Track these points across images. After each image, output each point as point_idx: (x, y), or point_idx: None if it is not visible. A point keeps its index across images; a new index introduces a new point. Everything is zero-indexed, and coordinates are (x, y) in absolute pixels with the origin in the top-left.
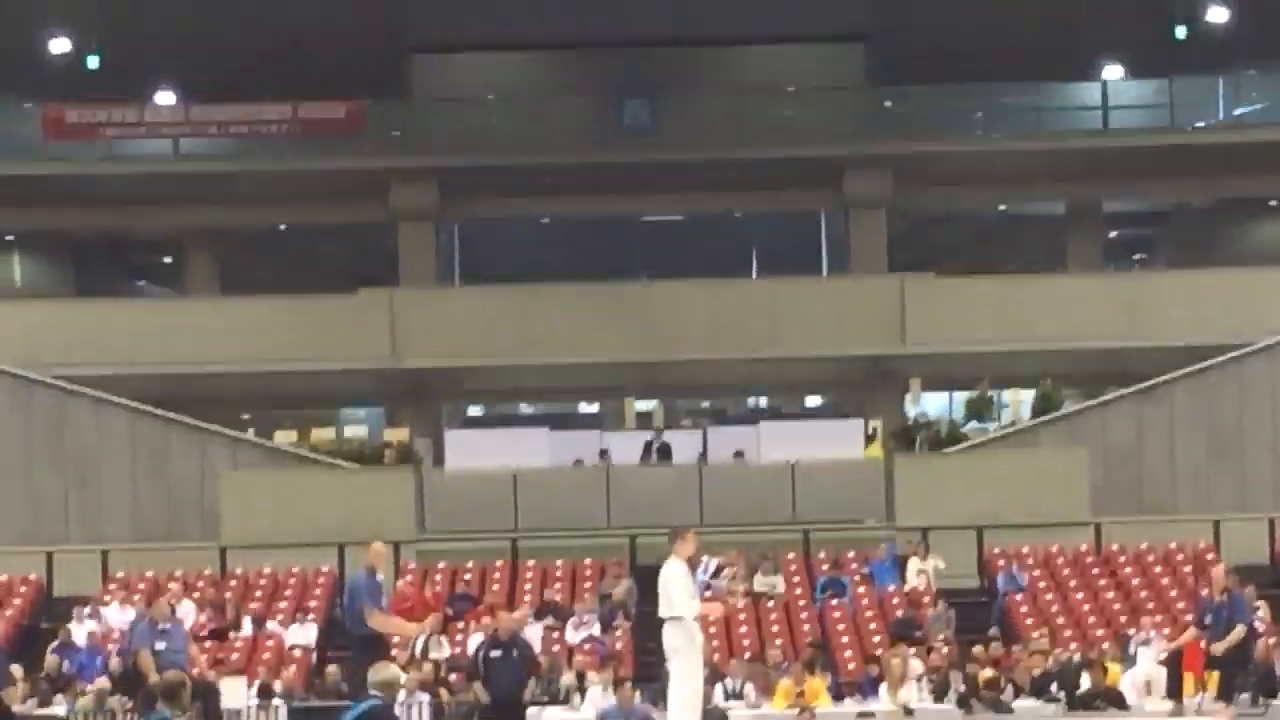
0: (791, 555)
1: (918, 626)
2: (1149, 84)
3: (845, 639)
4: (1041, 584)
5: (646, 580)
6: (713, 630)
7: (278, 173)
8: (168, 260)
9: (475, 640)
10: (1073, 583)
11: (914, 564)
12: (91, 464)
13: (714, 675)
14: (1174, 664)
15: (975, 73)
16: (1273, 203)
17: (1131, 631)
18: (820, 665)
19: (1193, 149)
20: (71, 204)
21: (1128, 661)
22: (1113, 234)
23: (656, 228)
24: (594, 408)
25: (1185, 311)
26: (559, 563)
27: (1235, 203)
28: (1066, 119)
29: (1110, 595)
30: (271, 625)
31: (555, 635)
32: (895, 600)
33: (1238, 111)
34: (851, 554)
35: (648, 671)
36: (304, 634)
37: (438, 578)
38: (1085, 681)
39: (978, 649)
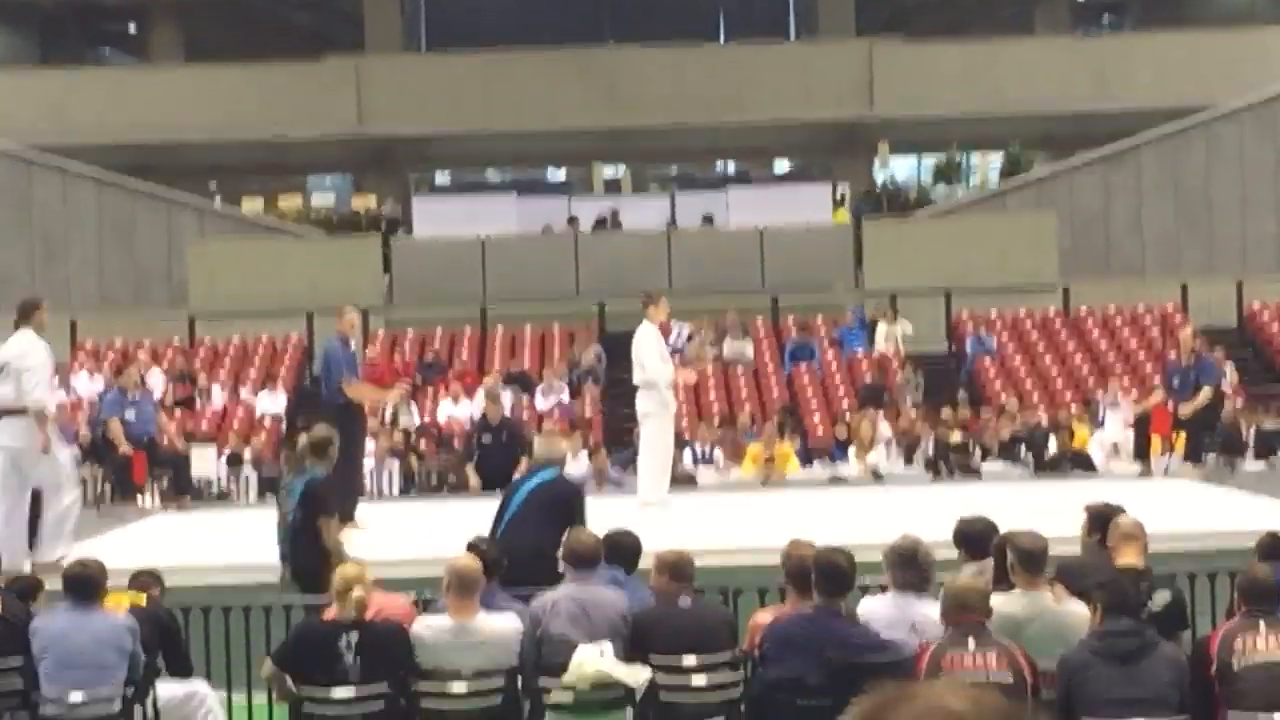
0: (760, 320)
1: (886, 391)
2: None
3: (814, 404)
4: (1009, 348)
5: (615, 346)
6: (682, 396)
7: None
8: (133, 28)
9: (445, 408)
10: (1040, 346)
11: (882, 328)
12: (58, 234)
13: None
14: (1141, 426)
15: None
16: None
17: (1099, 394)
18: (789, 429)
19: None
20: None
21: (1095, 425)
22: None
23: None
24: (561, 174)
25: (1153, 74)
26: (527, 329)
27: None
28: None
29: (1078, 359)
30: (240, 394)
31: (524, 402)
32: (864, 365)
33: None
34: (820, 319)
35: (616, 438)
36: (273, 402)
37: (406, 346)
38: (1053, 445)
39: (946, 413)
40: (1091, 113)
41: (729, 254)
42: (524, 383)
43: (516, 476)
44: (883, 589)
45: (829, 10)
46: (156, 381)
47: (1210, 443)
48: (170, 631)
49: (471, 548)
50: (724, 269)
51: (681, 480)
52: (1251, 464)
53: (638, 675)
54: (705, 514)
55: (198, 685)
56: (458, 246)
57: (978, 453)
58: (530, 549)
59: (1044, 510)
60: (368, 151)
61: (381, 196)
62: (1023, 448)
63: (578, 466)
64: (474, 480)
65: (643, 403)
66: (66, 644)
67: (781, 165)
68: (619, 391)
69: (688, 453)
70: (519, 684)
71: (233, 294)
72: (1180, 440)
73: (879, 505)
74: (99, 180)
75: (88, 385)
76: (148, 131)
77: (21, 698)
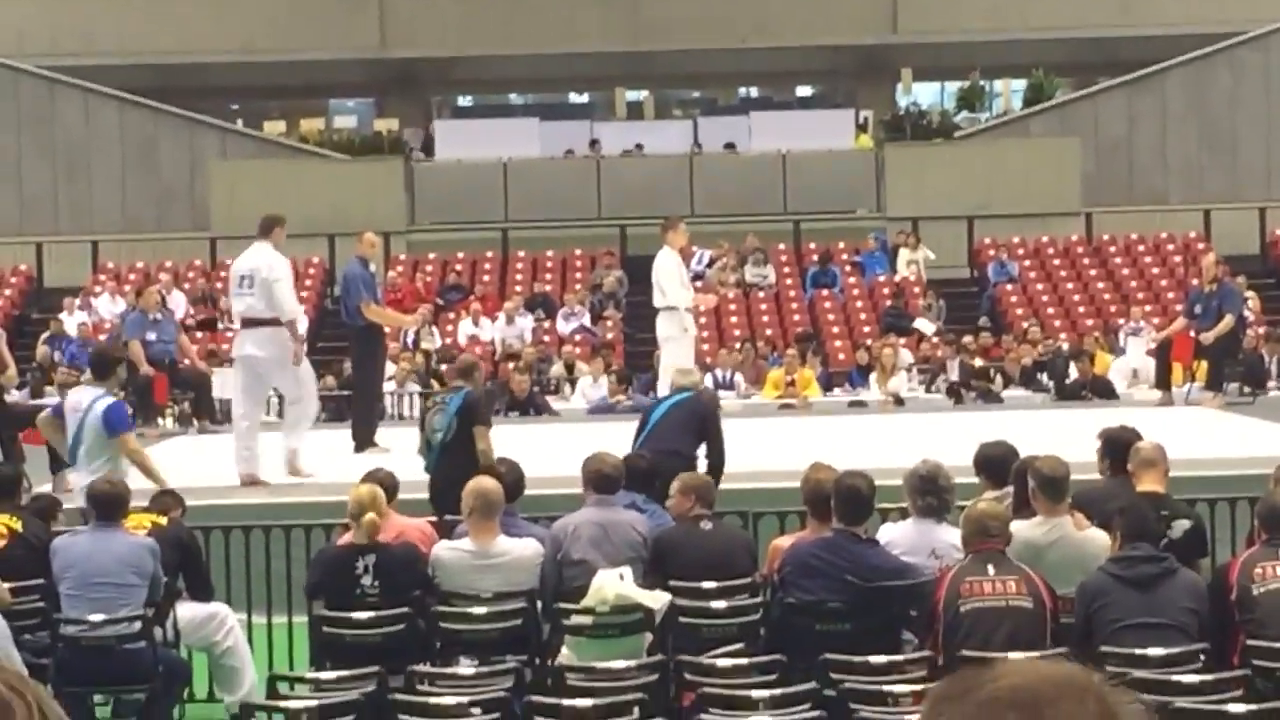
0: (782, 246)
1: (908, 317)
2: None
3: (835, 329)
4: (1031, 274)
5: (637, 270)
6: (703, 321)
7: None
8: None
9: (465, 329)
10: (1063, 273)
11: (904, 254)
12: (80, 155)
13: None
14: (1163, 354)
15: None
16: None
17: (1121, 321)
18: (809, 355)
19: None
20: None
21: (1117, 352)
22: None
23: None
24: (584, 98)
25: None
26: (549, 253)
27: None
28: None
29: (1100, 285)
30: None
31: (545, 326)
32: (886, 290)
33: None
34: (842, 244)
35: (637, 362)
36: None
37: (428, 269)
38: (1074, 372)
39: (968, 339)
40: (1116, 38)
41: (751, 179)
42: (546, 306)
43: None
44: (903, 514)
45: None
46: (178, 303)
47: (1231, 371)
48: (191, 552)
49: (491, 470)
50: (746, 194)
51: None
52: (1273, 392)
53: (658, 599)
54: (727, 439)
55: (218, 607)
56: (480, 170)
57: (999, 379)
58: (668, 453)
59: (1064, 437)
60: (390, 74)
61: (404, 120)
62: (1044, 374)
63: (599, 390)
64: None
65: (663, 327)
66: (88, 564)
67: (804, 91)
68: (640, 315)
69: (709, 378)
70: (538, 607)
71: (254, 216)
72: (1201, 368)
73: (900, 430)
74: (121, 100)
75: (109, 307)
76: (170, 53)
77: (43, 617)
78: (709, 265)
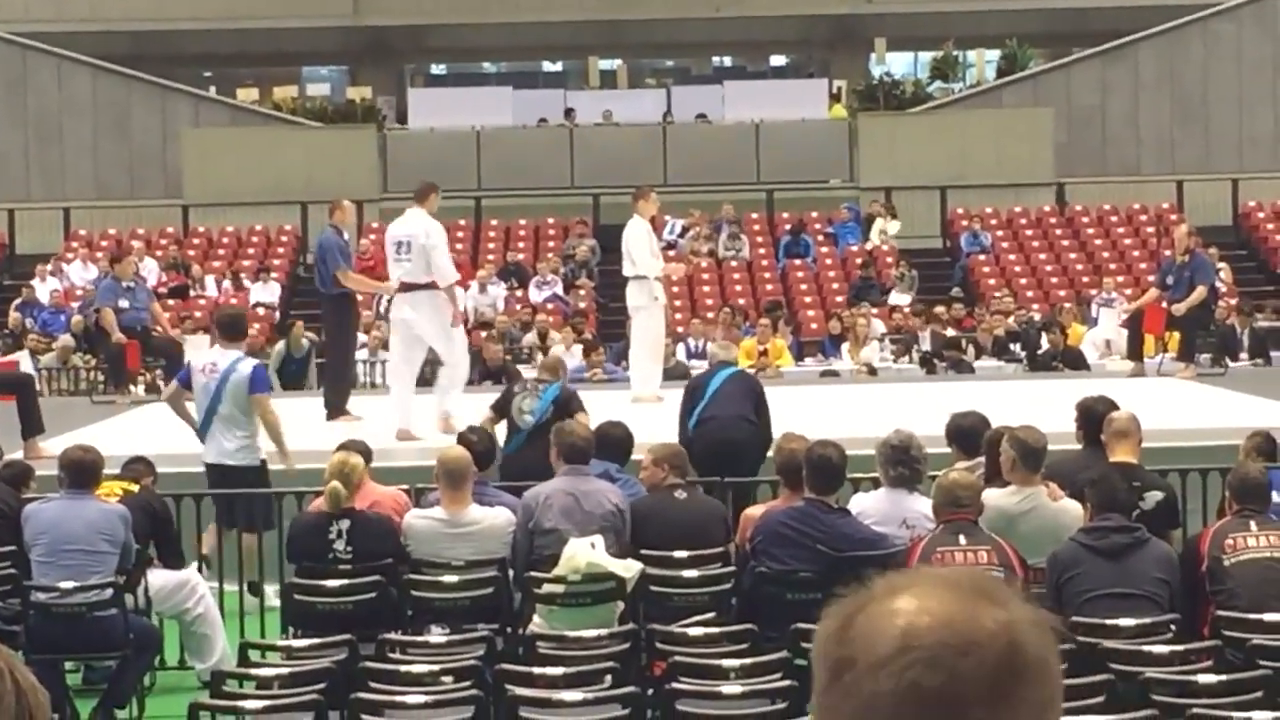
0: (755, 215)
1: (878, 286)
2: None
3: (808, 299)
4: (1004, 244)
5: (610, 239)
6: (675, 290)
7: None
8: None
9: None
10: (1035, 243)
11: (878, 224)
12: (52, 122)
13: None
14: (1135, 324)
15: None
16: None
17: (1093, 292)
18: (781, 323)
19: None
20: None
21: (1089, 322)
22: None
23: None
24: (558, 67)
25: None
26: (522, 222)
27: None
28: None
29: (1073, 256)
30: (234, 284)
31: (518, 295)
32: (859, 260)
33: None
34: (815, 214)
35: (610, 331)
36: (267, 292)
37: None
38: (1046, 342)
39: (940, 309)
40: (1089, 9)
41: (724, 148)
42: (519, 275)
43: (696, 375)
44: (875, 484)
45: None
46: (150, 271)
47: (1204, 342)
48: (162, 520)
49: (462, 439)
50: (719, 163)
51: (676, 374)
52: (1245, 363)
53: (629, 568)
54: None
55: (189, 575)
56: (453, 138)
57: (971, 349)
58: (736, 418)
59: (1036, 407)
60: (363, 42)
61: (377, 88)
62: (1017, 345)
63: (572, 359)
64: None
65: (633, 296)
66: (59, 531)
67: (778, 61)
68: (612, 284)
69: (681, 347)
70: (510, 576)
71: (227, 184)
72: (1173, 339)
73: (872, 400)
74: (94, 67)
75: (81, 273)
76: (143, 20)
77: (14, 584)
78: (681, 235)
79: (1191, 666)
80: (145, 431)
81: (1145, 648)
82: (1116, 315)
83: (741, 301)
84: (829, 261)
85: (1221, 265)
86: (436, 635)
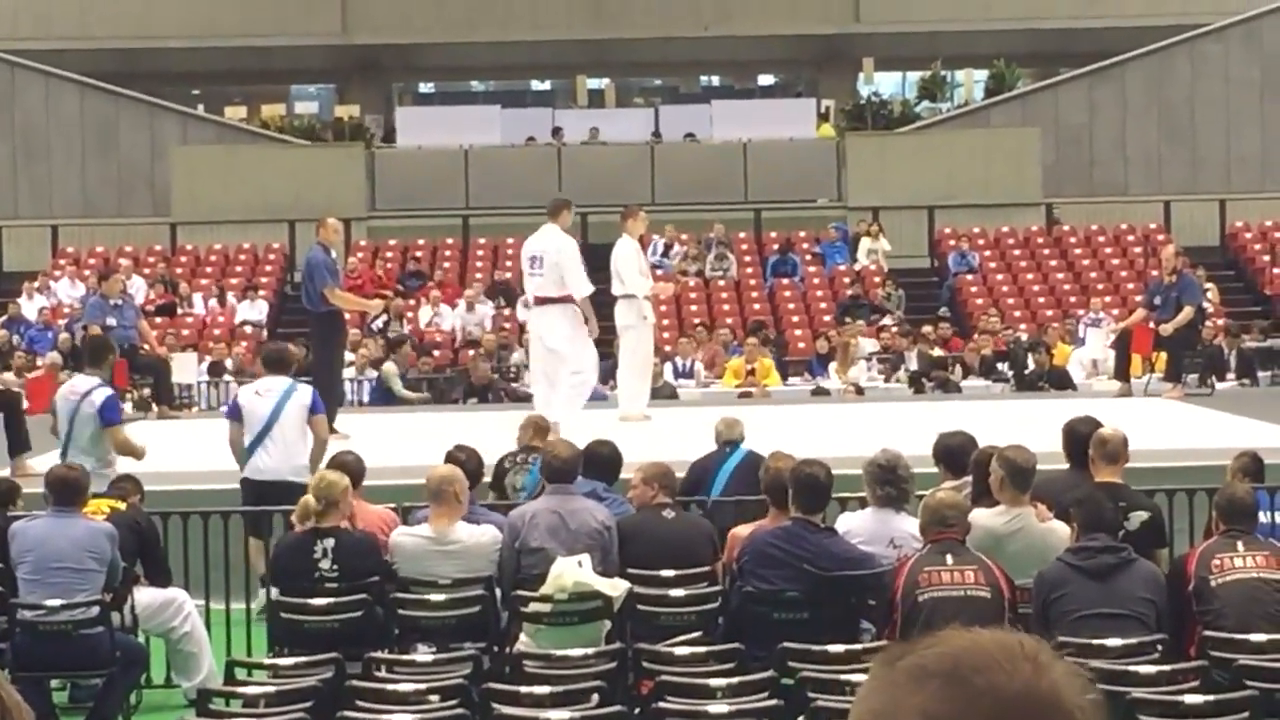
0: (743, 235)
1: (869, 305)
2: None
3: (795, 319)
4: (992, 264)
5: (597, 259)
6: (663, 309)
7: None
8: None
9: (425, 315)
10: (1023, 263)
11: (865, 244)
12: (40, 139)
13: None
14: (1122, 345)
15: None
16: None
17: (1081, 312)
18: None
19: None
20: None
21: (1076, 342)
22: None
23: None
24: (546, 86)
25: None
26: (510, 240)
27: None
28: None
29: (1060, 276)
30: (222, 302)
31: (506, 314)
32: (846, 280)
33: None
34: (802, 234)
35: (598, 350)
36: (254, 310)
37: (388, 255)
38: (1032, 362)
39: (927, 329)
40: (1077, 29)
41: (712, 167)
42: (507, 294)
43: (701, 458)
44: (862, 503)
45: None
46: (138, 288)
47: (1191, 362)
48: (149, 538)
49: (450, 457)
50: (707, 182)
51: (663, 394)
52: (1232, 383)
53: (616, 587)
54: (686, 427)
55: (176, 593)
56: (441, 157)
57: (958, 369)
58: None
59: (1023, 427)
60: (352, 60)
61: (365, 106)
62: (1006, 365)
63: None
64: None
65: (622, 316)
66: (46, 549)
67: (766, 80)
68: (600, 303)
69: (669, 367)
70: (497, 594)
71: (215, 201)
72: (1160, 359)
73: (859, 420)
74: (82, 84)
75: (68, 291)
76: (131, 37)
77: (0, 602)
78: (664, 254)
79: (1178, 687)
80: None
81: (1132, 668)
82: (1104, 335)
83: (729, 321)
84: (816, 281)
85: (1209, 286)
86: (423, 654)
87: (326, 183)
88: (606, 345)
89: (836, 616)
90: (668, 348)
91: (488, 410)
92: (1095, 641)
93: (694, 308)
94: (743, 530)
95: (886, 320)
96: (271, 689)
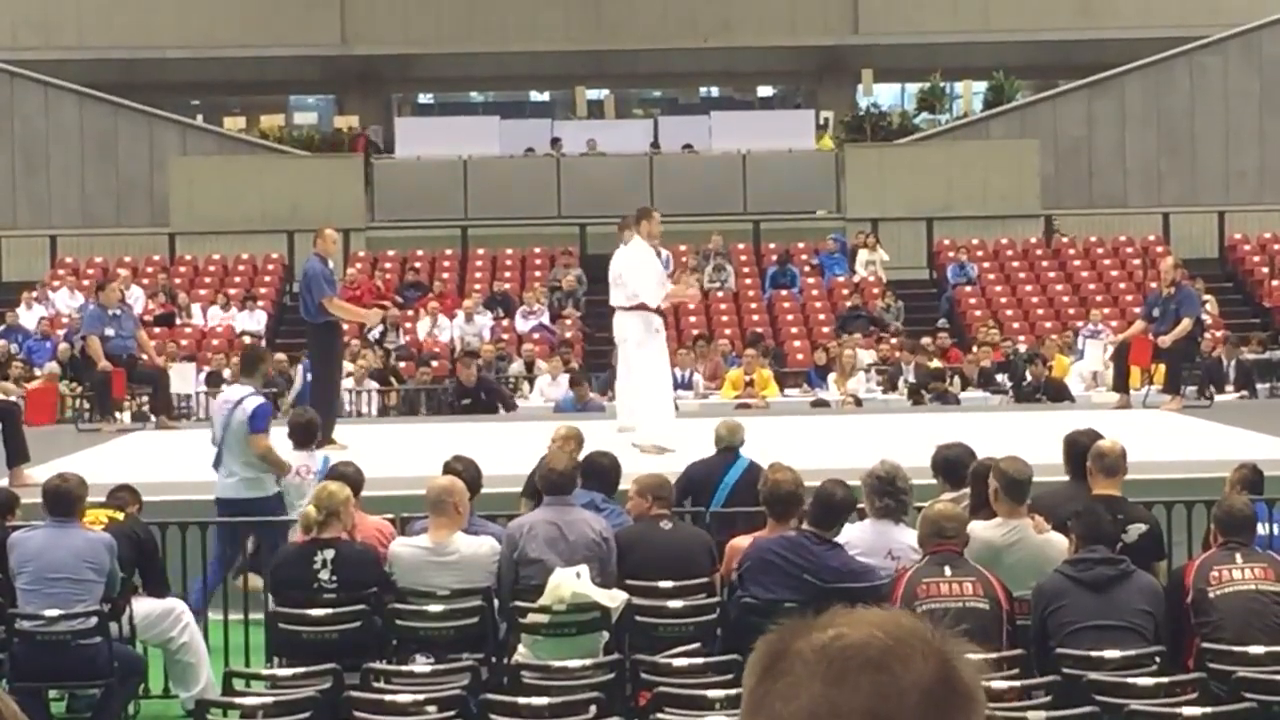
0: (742, 246)
1: (867, 317)
2: None
3: (794, 330)
4: (990, 276)
5: (596, 269)
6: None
7: None
8: None
9: (423, 327)
10: (1022, 275)
11: (863, 255)
12: (39, 149)
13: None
14: (1121, 357)
15: None
16: None
17: (1079, 324)
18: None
19: None
20: None
21: (1074, 354)
22: None
23: None
24: (545, 97)
25: (1138, 3)
26: (509, 251)
27: None
28: None
29: (1059, 288)
30: (221, 312)
31: (504, 324)
32: (845, 291)
33: None
34: (801, 245)
35: (596, 361)
36: (253, 321)
37: (387, 266)
38: (1029, 374)
39: (926, 340)
40: (1076, 41)
41: (711, 179)
42: (505, 304)
43: (701, 461)
44: (861, 515)
45: None
46: (137, 299)
47: (1189, 374)
48: (147, 548)
49: (448, 468)
50: (706, 194)
51: None
52: (1230, 395)
53: (615, 598)
54: (685, 438)
55: (174, 603)
56: (440, 167)
57: (957, 381)
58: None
59: (1021, 439)
60: (351, 71)
61: (364, 117)
62: (1004, 376)
63: (557, 388)
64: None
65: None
66: (44, 560)
67: (765, 91)
68: (599, 314)
69: None
70: (495, 605)
71: (214, 212)
72: (1159, 371)
73: (858, 431)
74: (81, 95)
75: (67, 301)
76: (130, 48)
77: None
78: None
79: (1176, 699)
80: (130, 460)
81: (1130, 679)
82: (1102, 347)
83: (728, 332)
84: (815, 292)
85: (1207, 298)
86: (421, 665)
87: (325, 193)
88: (604, 356)
89: None
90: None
91: (487, 422)
92: (1093, 653)
93: (693, 319)
94: (741, 541)
95: (885, 331)
96: (270, 699)
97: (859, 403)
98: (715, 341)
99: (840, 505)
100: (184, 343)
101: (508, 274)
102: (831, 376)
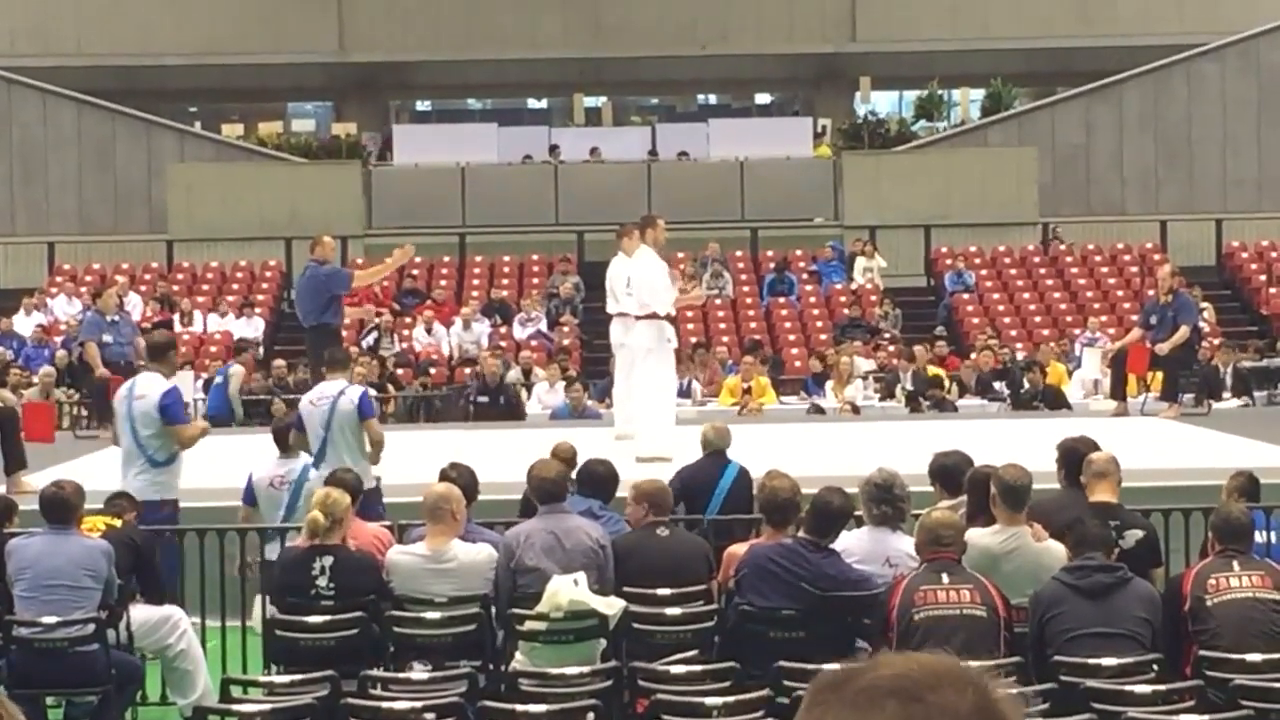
0: (739, 253)
1: (866, 326)
2: None
3: (792, 337)
4: (988, 283)
5: (593, 277)
6: None
7: None
8: None
9: (419, 334)
10: (1019, 283)
11: (861, 263)
12: (37, 156)
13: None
14: (1118, 364)
15: None
16: None
17: (1077, 332)
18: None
19: None
20: None
21: (1073, 362)
22: None
23: None
24: (542, 104)
25: (1137, 10)
26: (506, 258)
27: None
28: None
29: (1057, 295)
30: (219, 319)
31: (502, 332)
32: (843, 299)
33: None
34: (799, 253)
35: (594, 368)
36: (250, 327)
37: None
38: (1026, 382)
39: (922, 348)
40: (1074, 49)
41: (709, 186)
42: (503, 311)
43: (691, 466)
44: (858, 523)
45: None
46: (135, 305)
47: (1187, 382)
48: (145, 555)
49: (444, 475)
50: (704, 201)
51: None
52: (1228, 403)
53: (612, 605)
54: (682, 445)
55: (171, 610)
56: (438, 175)
57: (955, 388)
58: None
59: (1018, 446)
60: (349, 78)
61: (362, 123)
62: (1002, 384)
63: (554, 395)
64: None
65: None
66: (41, 567)
67: (763, 99)
68: (597, 321)
69: None
70: (492, 613)
71: (212, 219)
72: (1156, 379)
73: (855, 439)
74: (79, 102)
75: (65, 308)
76: (128, 55)
77: None
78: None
79: (1174, 706)
80: None
81: (1128, 687)
82: (1100, 355)
83: (726, 339)
84: (813, 300)
85: (1205, 305)
86: (419, 672)
87: (323, 200)
88: (602, 363)
89: (832, 635)
90: None
91: (484, 429)
92: (1091, 661)
93: (690, 326)
94: (738, 549)
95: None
96: (267, 707)
97: (856, 410)
98: (713, 349)
99: (837, 513)
100: (182, 350)
101: (505, 281)
102: (829, 384)
